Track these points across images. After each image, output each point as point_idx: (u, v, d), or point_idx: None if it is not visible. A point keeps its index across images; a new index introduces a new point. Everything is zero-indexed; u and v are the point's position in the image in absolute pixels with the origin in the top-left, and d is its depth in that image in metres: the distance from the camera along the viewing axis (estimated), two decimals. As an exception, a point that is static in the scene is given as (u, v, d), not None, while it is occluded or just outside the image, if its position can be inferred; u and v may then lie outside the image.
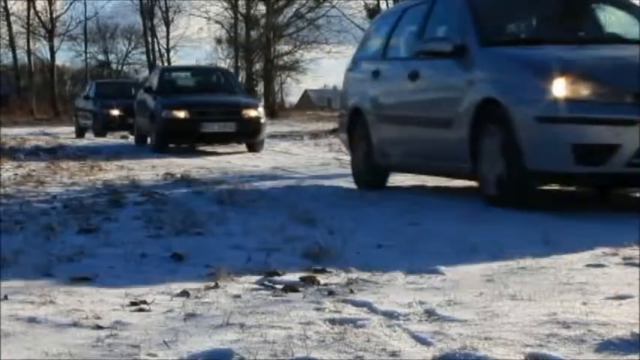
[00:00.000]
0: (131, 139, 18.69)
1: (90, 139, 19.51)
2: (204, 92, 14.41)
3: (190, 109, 13.11)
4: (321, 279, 3.33)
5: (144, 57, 47.83)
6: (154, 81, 14.82)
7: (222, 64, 36.75)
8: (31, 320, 2.73)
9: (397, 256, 3.84)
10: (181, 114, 13.10)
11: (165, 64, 43.60)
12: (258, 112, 13.45)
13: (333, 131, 18.37)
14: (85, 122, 22.14)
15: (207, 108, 13.29)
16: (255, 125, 13.24)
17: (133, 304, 2.94)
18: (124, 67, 52.72)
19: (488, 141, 5.55)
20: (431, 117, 6.27)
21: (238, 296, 3.06)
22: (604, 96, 5.17)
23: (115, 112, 20.31)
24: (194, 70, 18.11)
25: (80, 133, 22.20)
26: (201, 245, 4.20)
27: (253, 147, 13.42)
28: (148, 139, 14.76)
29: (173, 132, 13.17)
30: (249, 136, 13.30)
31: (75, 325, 2.68)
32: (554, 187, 6.34)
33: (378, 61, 7.39)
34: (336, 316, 2.73)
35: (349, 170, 9.41)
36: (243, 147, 13.84)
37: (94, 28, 48.49)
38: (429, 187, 7.30)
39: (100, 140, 19.04)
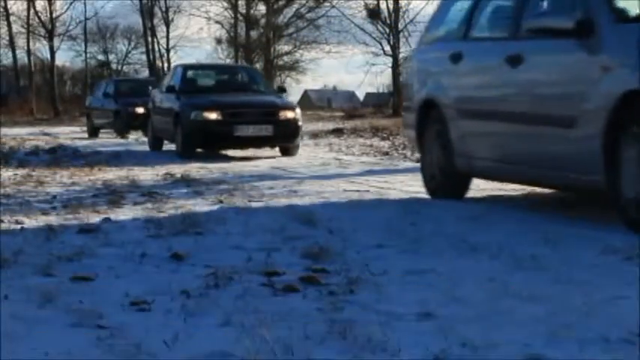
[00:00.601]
0: (131, 139, 18.68)
1: (94, 140, 19.46)
2: (232, 92, 13.12)
3: (223, 111, 11.84)
4: (321, 279, 3.33)
5: (144, 57, 47.87)
6: (176, 80, 13.47)
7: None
8: (32, 320, 2.73)
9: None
10: (213, 115, 11.78)
11: (166, 64, 43.65)
12: (295, 113, 12.24)
13: (334, 131, 18.41)
14: (99, 121, 21.13)
15: (241, 109, 12.06)
16: (292, 128, 12.08)
17: (133, 304, 2.95)
18: (124, 67, 52.73)
19: (633, 148, 4.30)
20: (542, 113, 5.01)
21: (239, 296, 3.06)
22: None
23: (140, 110, 18.83)
24: (219, 69, 16.52)
25: (93, 132, 21.33)
26: (202, 245, 4.20)
27: (289, 151, 12.31)
28: (164, 144, 13.84)
29: (203, 136, 11.78)
30: (287, 139, 12.12)
31: (75, 325, 2.68)
32: None
33: (459, 42, 6.06)
34: (336, 316, 2.74)
35: (349, 170, 9.45)
36: (271, 152, 12.66)
37: (93, 28, 48.52)
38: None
39: (110, 141, 18.16)
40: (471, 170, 5.89)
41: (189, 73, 14.04)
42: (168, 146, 13.54)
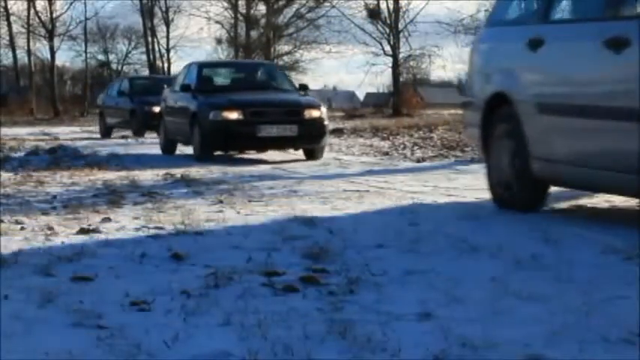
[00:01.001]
0: (131, 139, 18.66)
1: (97, 141, 19.44)
2: (251, 90, 12.25)
3: (244, 110, 11.07)
4: (321, 279, 3.33)
5: (144, 57, 47.90)
6: (191, 78, 12.60)
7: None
8: (31, 320, 2.73)
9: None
10: (233, 115, 11.03)
11: (166, 64, 43.67)
12: (321, 112, 11.40)
13: (334, 131, 18.38)
14: (112, 120, 20.54)
15: (263, 108, 11.27)
16: (318, 128, 11.23)
17: (133, 304, 2.95)
18: (124, 67, 52.75)
19: None
20: None
21: (239, 296, 3.06)
22: None
23: (157, 110, 17.89)
24: (236, 66, 15.62)
25: (106, 132, 20.71)
26: (201, 245, 4.20)
27: (314, 153, 11.37)
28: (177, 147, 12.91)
29: (223, 137, 10.97)
30: (313, 140, 11.25)
31: (75, 325, 2.68)
32: None
33: (538, 25, 5.19)
34: (336, 316, 2.74)
35: (349, 170, 9.45)
36: (294, 155, 11.72)
37: (94, 28, 48.55)
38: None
39: (121, 143, 17.34)
40: (553, 176, 5.02)
41: (206, 70, 13.16)
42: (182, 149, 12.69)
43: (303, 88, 12.65)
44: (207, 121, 11.07)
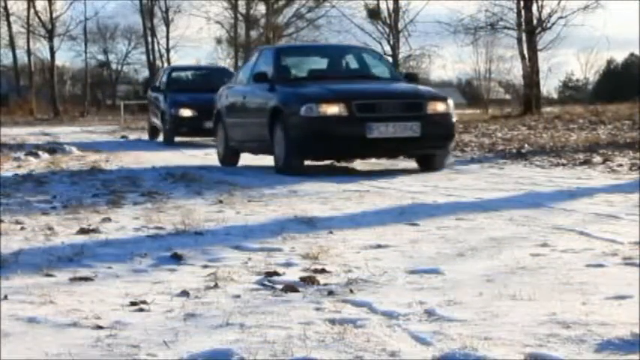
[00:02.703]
0: (130, 138, 18.64)
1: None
2: (348, 80, 9.55)
3: (349, 103, 8.37)
4: (321, 279, 3.33)
5: (143, 57, 47.95)
6: (265, 65, 9.82)
7: (222, 65, 36.66)
8: (31, 320, 2.73)
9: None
10: (334, 109, 8.34)
11: (165, 64, 43.63)
12: (448, 106, 8.78)
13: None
14: (156, 121, 17.65)
15: (375, 100, 8.64)
16: (447, 127, 8.73)
17: (132, 304, 2.95)
18: (124, 67, 52.76)
19: None
20: None
21: (238, 296, 3.06)
22: None
23: (187, 113, 15.67)
24: (322, 50, 12.14)
25: (153, 133, 18.52)
26: (201, 245, 4.20)
27: (434, 162, 8.80)
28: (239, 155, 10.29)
29: (321, 139, 8.35)
30: (439, 141, 8.71)
31: (75, 325, 2.68)
32: None
33: None
34: (336, 316, 2.74)
35: (353, 169, 9.41)
36: (405, 163, 9.57)
37: (93, 28, 48.63)
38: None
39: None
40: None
41: (287, 56, 10.28)
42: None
43: (412, 77, 9.99)
44: (297, 118, 8.45)
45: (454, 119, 8.91)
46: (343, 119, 8.31)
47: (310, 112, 8.32)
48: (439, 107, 8.69)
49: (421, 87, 9.48)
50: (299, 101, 8.48)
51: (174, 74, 18.46)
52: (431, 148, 8.68)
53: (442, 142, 8.68)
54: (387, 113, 8.43)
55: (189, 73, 19.29)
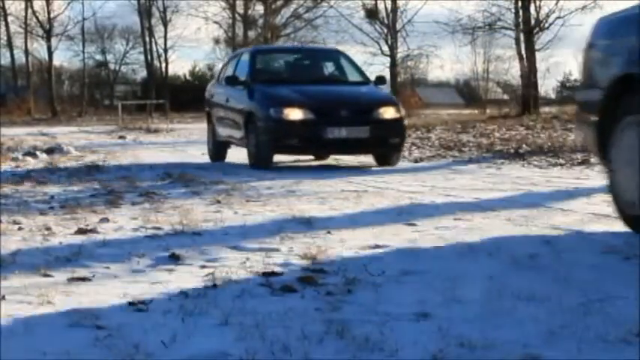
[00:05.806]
0: (129, 138, 18.57)
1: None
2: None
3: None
4: (319, 279, 3.33)
5: (141, 57, 47.94)
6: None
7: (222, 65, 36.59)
8: (30, 320, 2.73)
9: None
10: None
11: (163, 64, 43.66)
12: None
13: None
14: (227, 132, 11.14)
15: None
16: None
17: (131, 304, 2.94)
18: (122, 68, 52.74)
19: None
20: None
21: (237, 296, 3.06)
22: None
23: (297, 115, 9.69)
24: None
25: (218, 153, 11.75)
26: (199, 245, 4.20)
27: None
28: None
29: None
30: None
31: (73, 325, 2.67)
32: None
33: None
34: (335, 316, 2.73)
35: (347, 170, 9.43)
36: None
37: (91, 28, 48.57)
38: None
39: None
40: None
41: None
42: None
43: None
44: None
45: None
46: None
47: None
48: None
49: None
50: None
51: (260, 58, 11.48)
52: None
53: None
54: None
55: (287, 57, 12.36)
